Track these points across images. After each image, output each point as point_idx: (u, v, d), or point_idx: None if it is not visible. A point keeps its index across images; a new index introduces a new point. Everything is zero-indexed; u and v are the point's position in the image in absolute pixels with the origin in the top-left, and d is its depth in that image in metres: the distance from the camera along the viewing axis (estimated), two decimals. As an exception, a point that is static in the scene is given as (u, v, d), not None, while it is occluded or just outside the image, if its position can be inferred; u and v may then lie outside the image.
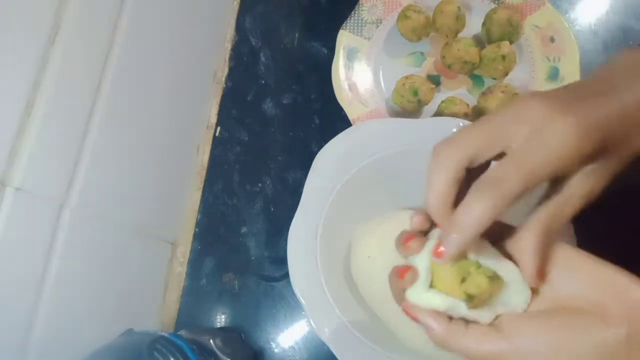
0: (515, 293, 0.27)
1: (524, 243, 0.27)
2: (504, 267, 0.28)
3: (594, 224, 0.42)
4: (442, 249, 0.26)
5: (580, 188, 0.27)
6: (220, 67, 0.66)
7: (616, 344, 0.23)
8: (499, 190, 0.25)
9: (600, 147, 0.26)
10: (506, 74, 0.55)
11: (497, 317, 0.27)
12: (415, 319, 0.28)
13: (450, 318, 0.27)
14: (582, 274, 0.26)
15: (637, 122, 0.27)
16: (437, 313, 0.27)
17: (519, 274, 0.27)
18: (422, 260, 0.28)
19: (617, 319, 0.24)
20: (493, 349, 0.25)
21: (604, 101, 0.26)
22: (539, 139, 0.25)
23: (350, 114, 0.58)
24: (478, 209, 0.25)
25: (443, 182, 0.27)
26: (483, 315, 0.27)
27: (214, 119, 0.64)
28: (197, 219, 0.61)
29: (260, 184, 0.61)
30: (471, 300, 0.26)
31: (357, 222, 0.49)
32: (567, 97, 0.27)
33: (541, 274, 0.27)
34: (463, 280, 0.27)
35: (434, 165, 0.27)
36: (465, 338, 0.26)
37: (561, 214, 0.27)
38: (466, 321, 0.27)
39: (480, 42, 0.58)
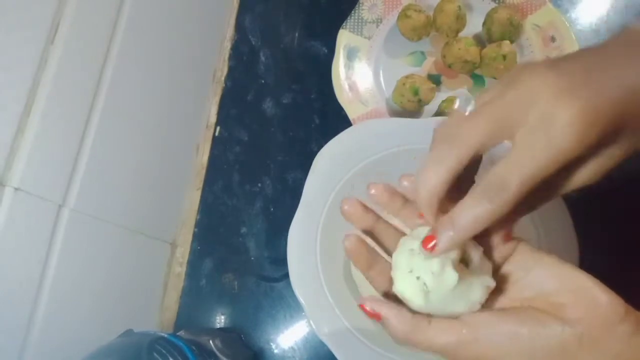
0: (479, 288, 0.27)
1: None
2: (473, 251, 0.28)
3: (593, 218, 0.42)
4: (433, 243, 0.26)
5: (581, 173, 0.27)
6: (219, 66, 0.66)
7: (569, 342, 0.24)
8: (499, 198, 0.25)
9: (610, 131, 0.25)
10: (507, 74, 0.55)
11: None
12: (376, 317, 0.27)
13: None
14: (547, 277, 0.26)
15: None
16: (398, 309, 0.27)
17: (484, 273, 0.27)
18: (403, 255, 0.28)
19: (574, 320, 0.24)
20: (454, 338, 0.25)
21: (615, 76, 0.25)
22: (545, 131, 0.24)
23: (351, 113, 0.58)
24: (476, 214, 0.25)
25: (441, 178, 0.26)
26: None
27: (213, 118, 0.64)
28: (196, 219, 0.61)
29: (260, 184, 0.60)
30: None
31: (357, 222, 0.48)
32: (577, 72, 0.25)
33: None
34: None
35: (435, 159, 0.26)
36: (429, 330, 0.26)
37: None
38: (429, 316, 0.27)
39: (480, 41, 0.58)
